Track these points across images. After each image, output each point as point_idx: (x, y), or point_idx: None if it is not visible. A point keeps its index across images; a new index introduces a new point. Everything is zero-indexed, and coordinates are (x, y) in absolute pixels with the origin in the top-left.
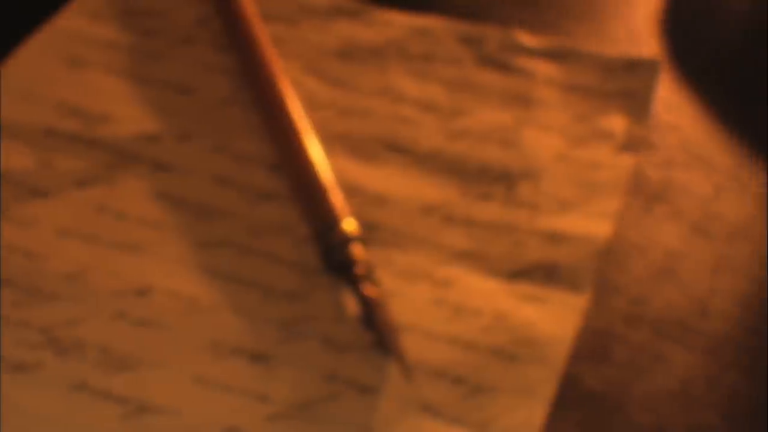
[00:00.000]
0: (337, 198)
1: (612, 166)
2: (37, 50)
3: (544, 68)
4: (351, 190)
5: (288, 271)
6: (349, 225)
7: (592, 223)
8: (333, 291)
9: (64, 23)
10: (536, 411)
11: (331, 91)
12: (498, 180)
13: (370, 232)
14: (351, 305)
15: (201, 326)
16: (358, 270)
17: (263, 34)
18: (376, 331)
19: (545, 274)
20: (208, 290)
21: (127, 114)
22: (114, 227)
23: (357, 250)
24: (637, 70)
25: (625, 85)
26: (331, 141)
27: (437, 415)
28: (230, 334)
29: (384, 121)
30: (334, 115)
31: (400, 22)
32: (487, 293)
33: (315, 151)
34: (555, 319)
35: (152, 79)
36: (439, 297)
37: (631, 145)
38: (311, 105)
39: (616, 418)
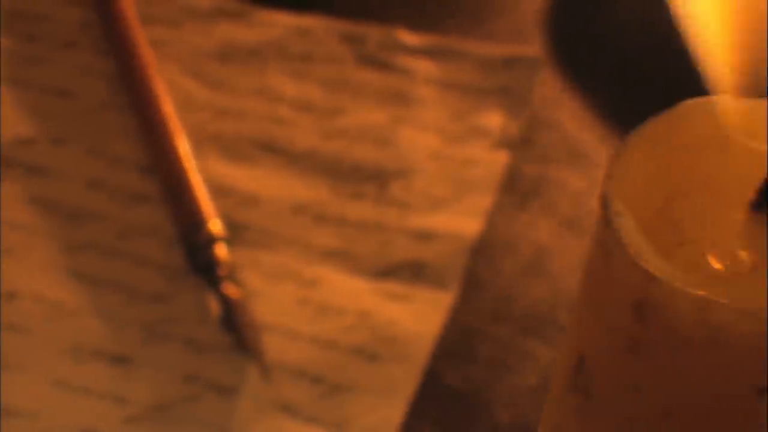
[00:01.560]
0: (203, 199)
1: (486, 163)
2: None
3: (423, 66)
4: (222, 191)
5: (154, 273)
6: (215, 226)
7: (463, 221)
8: (197, 292)
9: None
10: (395, 409)
11: (209, 92)
12: (370, 179)
13: (239, 232)
14: (214, 306)
15: (64, 330)
16: (221, 271)
17: (140, 36)
18: (236, 332)
19: (412, 272)
20: (74, 294)
21: (4, 119)
22: None
23: (221, 251)
24: (517, 66)
25: (503, 81)
26: (205, 142)
27: (295, 415)
28: (92, 337)
29: (259, 121)
30: (210, 117)
31: (281, 22)
32: (352, 292)
33: (184, 152)
34: (419, 317)
35: (32, 84)
36: (304, 297)
37: (507, 141)
38: (188, 107)
39: (478, 416)
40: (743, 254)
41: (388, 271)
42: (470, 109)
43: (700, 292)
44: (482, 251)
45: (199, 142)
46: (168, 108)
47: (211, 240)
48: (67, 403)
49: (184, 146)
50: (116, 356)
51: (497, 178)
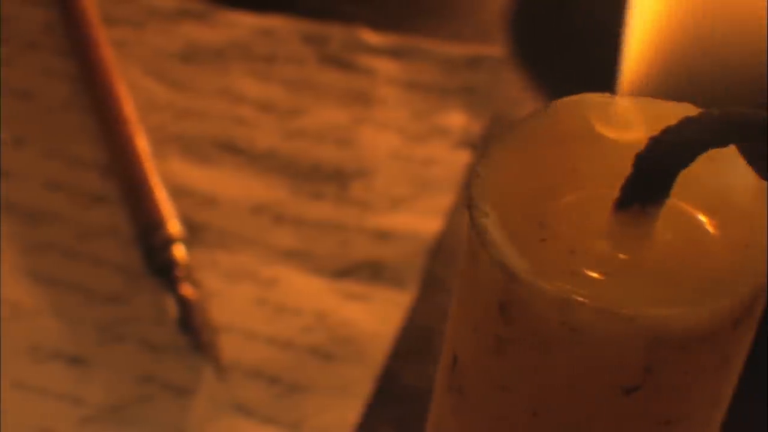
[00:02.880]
0: (161, 200)
1: (447, 163)
2: None
3: (386, 66)
4: (182, 192)
5: (112, 273)
6: (173, 227)
7: (422, 221)
8: (155, 293)
9: None
10: (351, 409)
11: (171, 93)
12: (330, 179)
13: (198, 232)
14: (171, 307)
15: (22, 331)
16: (178, 272)
17: (102, 37)
18: (192, 333)
19: (371, 272)
20: (32, 294)
21: None
22: None
23: (178, 252)
24: (480, 66)
25: (466, 81)
26: (166, 143)
27: (251, 415)
28: (50, 338)
29: (221, 121)
30: (171, 117)
31: (245, 22)
32: (310, 292)
33: (143, 153)
34: (377, 316)
35: None
36: (262, 297)
37: (469, 141)
38: (150, 107)
39: None
40: (610, 253)
41: (346, 271)
42: (432, 109)
43: (561, 292)
44: (442, 251)
45: (160, 143)
46: (128, 108)
47: (169, 241)
48: (24, 404)
49: (143, 147)
50: (73, 357)
51: (458, 178)
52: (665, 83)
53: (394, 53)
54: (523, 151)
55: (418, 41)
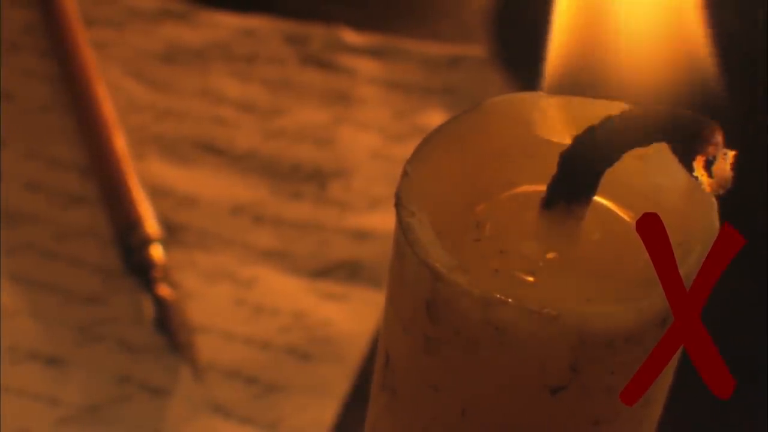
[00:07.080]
0: (139, 201)
1: None
2: None
3: (367, 66)
4: (162, 192)
5: (90, 274)
6: (150, 227)
7: None
8: (133, 293)
9: None
10: (327, 409)
11: (152, 93)
12: (310, 179)
13: (177, 233)
14: (148, 308)
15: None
16: (156, 272)
17: (83, 38)
18: (169, 333)
19: (349, 272)
20: (10, 295)
21: None
22: None
23: (156, 253)
24: (461, 66)
25: (447, 81)
26: (146, 143)
27: (228, 416)
28: (27, 339)
29: (201, 122)
30: (152, 118)
31: (226, 23)
32: (288, 292)
33: (122, 154)
34: (355, 316)
35: None
36: (240, 297)
37: None
38: (131, 108)
39: None
40: (538, 252)
41: (324, 271)
42: (413, 109)
43: (484, 291)
44: None
45: (140, 143)
46: (108, 109)
47: (147, 241)
48: (1, 404)
49: (122, 147)
50: (50, 357)
51: None
52: (595, 81)
53: (375, 53)
54: (455, 150)
55: (399, 41)
